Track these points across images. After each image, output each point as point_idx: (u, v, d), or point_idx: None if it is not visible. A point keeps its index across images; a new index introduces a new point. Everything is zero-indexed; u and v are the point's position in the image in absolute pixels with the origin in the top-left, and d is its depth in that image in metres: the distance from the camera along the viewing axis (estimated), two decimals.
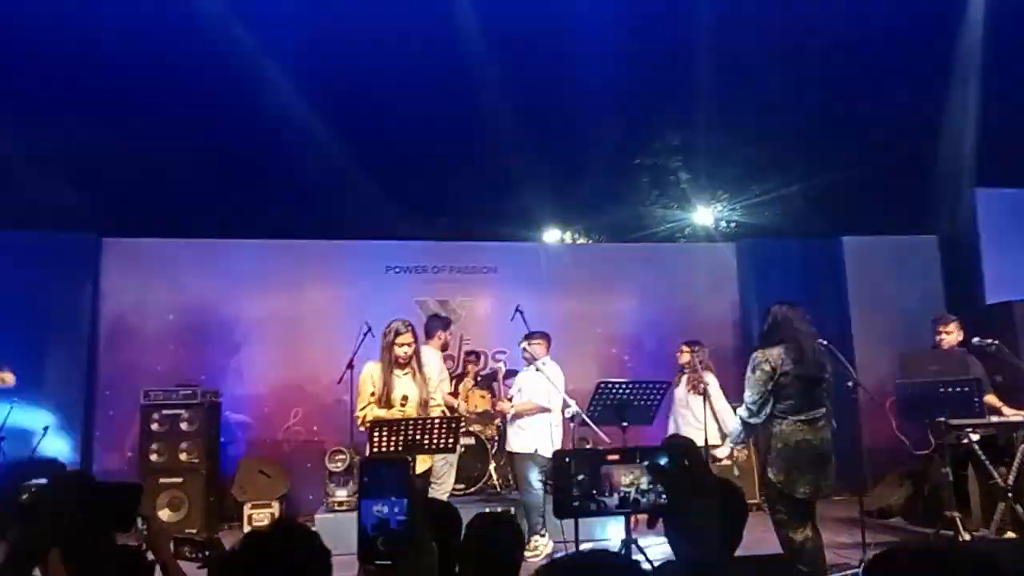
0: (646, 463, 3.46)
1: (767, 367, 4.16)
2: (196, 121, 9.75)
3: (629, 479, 3.48)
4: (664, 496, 3.36)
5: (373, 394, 4.71)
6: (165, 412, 6.77)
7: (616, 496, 3.49)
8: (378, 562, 1.33)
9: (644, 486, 3.47)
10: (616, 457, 3.52)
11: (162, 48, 9.21)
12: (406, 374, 4.75)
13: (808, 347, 4.18)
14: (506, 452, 6.38)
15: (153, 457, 6.71)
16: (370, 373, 4.78)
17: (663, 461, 3.42)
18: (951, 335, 5.75)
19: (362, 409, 4.73)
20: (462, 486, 6.77)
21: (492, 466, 6.92)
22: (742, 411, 4.30)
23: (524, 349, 5.85)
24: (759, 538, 5.60)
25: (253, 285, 8.14)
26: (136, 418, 6.92)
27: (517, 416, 6.01)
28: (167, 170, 9.59)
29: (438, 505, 2.62)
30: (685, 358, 6.26)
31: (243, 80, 9.66)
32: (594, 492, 3.47)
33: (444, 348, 6.18)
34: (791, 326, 4.22)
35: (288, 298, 8.18)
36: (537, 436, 5.74)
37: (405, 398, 4.64)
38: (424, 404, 4.74)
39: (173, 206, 9.56)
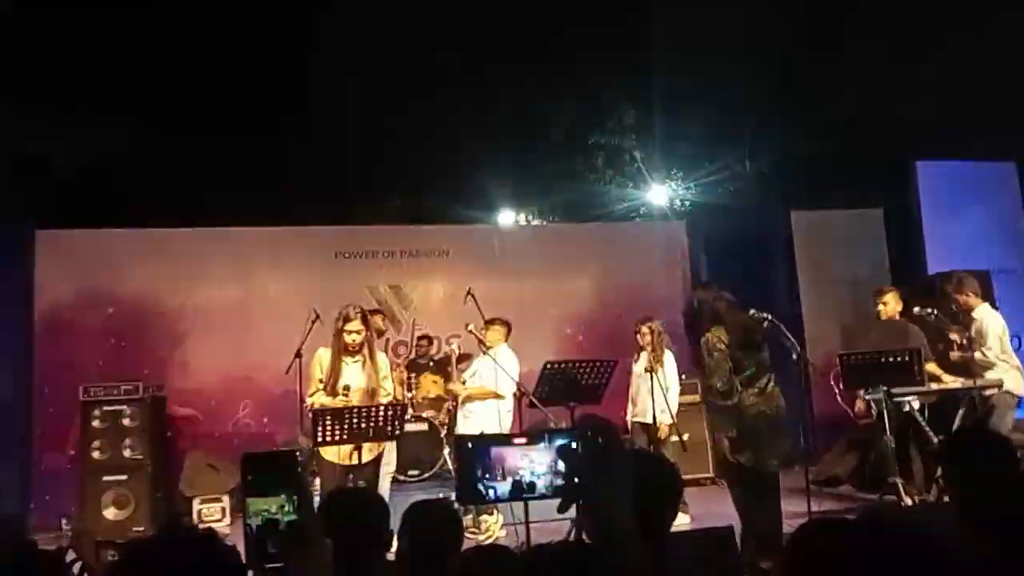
0: (556, 445, 3.28)
1: (722, 346, 4.22)
2: (132, 103, 9.40)
3: (524, 462, 3.27)
4: (566, 478, 3.22)
5: (322, 380, 4.68)
6: (106, 408, 6.55)
7: (509, 481, 3.27)
8: (269, 566, 1.22)
9: (541, 469, 3.26)
10: (523, 440, 3.34)
11: (95, 22, 8.83)
12: (356, 361, 4.70)
13: (739, 319, 4.28)
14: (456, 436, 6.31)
15: (95, 455, 6.50)
16: (319, 359, 4.76)
17: (574, 442, 3.29)
18: (887, 305, 5.84)
19: (311, 395, 4.73)
20: (416, 472, 6.72)
21: (446, 451, 6.86)
22: (714, 397, 4.29)
23: (472, 331, 5.78)
24: (711, 512, 5.70)
25: (197, 275, 7.95)
26: (76, 415, 6.71)
27: (468, 400, 5.97)
28: (103, 157, 9.25)
29: (364, 497, 2.56)
30: (647, 338, 6.15)
31: (185, 58, 9.35)
32: (486, 478, 3.25)
33: (380, 334, 6.08)
34: (717, 306, 4.33)
35: (234, 287, 8.01)
36: (485, 420, 5.70)
37: (347, 387, 4.59)
38: (372, 393, 4.68)
39: (110, 194, 9.24)
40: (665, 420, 5.81)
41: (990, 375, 5.55)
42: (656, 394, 5.63)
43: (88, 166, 9.26)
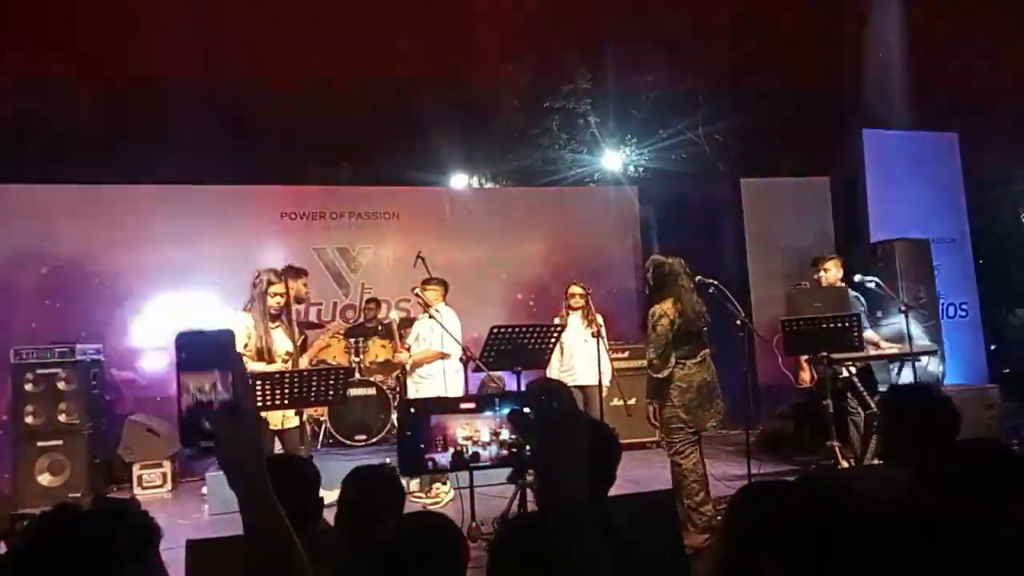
0: (507, 411, 3.09)
1: (666, 320, 4.37)
2: (68, 53, 8.91)
3: (466, 432, 3.10)
4: (517, 445, 3.10)
5: (247, 347, 4.50)
6: (39, 371, 6.34)
7: (451, 451, 3.10)
8: (203, 443, 1.18)
9: (485, 438, 3.10)
10: (472, 405, 3.17)
11: None
12: (277, 327, 4.57)
13: (690, 298, 4.43)
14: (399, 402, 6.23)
15: (29, 419, 6.31)
16: (244, 325, 4.55)
17: (527, 407, 3.13)
18: (829, 272, 5.96)
19: None
20: (363, 437, 6.67)
21: (394, 416, 6.82)
22: (653, 371, 4.49)
23: (417, 295, 5.71)
24: (653, 474, 5.80)
25: (137, 234, 7.69)
26: (8, 379, 6.46)
27: (416, 365, 5.91)
28: (36, 108, 8.78)
29: (293, 462, 2.50)
30: (580, 301, 6.16)
31: (127, 8, 8.89)
32: (424, 447, 3.07)
33: (299, 301, 5.92)
34: (677, 279, 4.46)
35: (175, 247, 7.77)
36: (436, 385, 5.67)
37: (290, 352, 4.51)
38: (295, 358, 4.63)
39: (44, 149, 8.80)
40: (606, 383, 5.90)
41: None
42: (603, 357, 5.69)
43: (19, 118, 8.78)
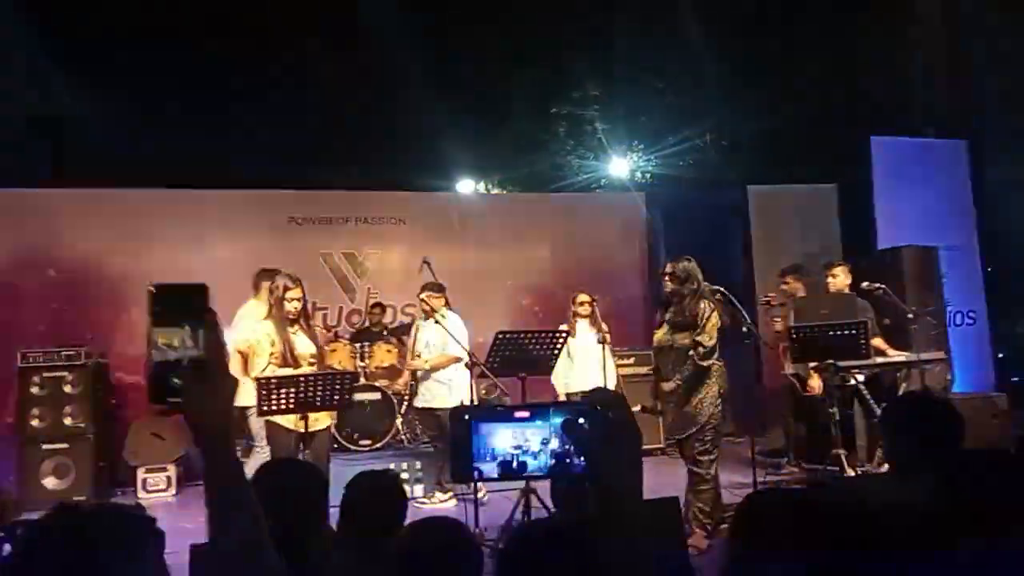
0: (561, 420, 3.10)
1: (719, 314, 4.49)
2: (75, 56, 8.97)
3: (518, 440, 3.03)
4: (568, 455, 3.04)
5: (272, 354, 4.47)
6: (46, 375, 6.35)
7: (499, 459, 3.03)
8: (171, 399, 1.16)
9: (535, 447, 3.03)
10: (526, 414, 3.11)
11: None
12: (296, 331, 4.57)
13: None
14: (418, 409, 6.16)
15: (34, 422, 6.31)
16: (265, 331, 4.52)
17: (582, 416, 3.02)
18: (837, 279, 5.93)
19: (263, 370, 4.42)
20: (368, 441, 6.66)
21: (399, 421, 6.81)
22: (699, 357, 4.46)
23: (423, 301, 5.70)
24: (663, 482, 5.76)
25: (144, 237, 7.70)
26: (14, 382, 6.48)
27: (434, 370, 5.87)
28: (42, 111, 8.84)
29: (298, 467, 2.50)
30: (587, 309, 6.15)
31: (136, 9, 8.96)
32: (473, 456, 3.01)
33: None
34: (704, 287, 4.55)
35: (183, 251, 7.78)
36: (458, 388, 5.67)
37: (315, 355, 4.53)
38: (321, 358, 4.67)
39: (50, 152, 8.86)
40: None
41: None
42: (608, 364, 5.68)
43: (27, 122, 8.84)
